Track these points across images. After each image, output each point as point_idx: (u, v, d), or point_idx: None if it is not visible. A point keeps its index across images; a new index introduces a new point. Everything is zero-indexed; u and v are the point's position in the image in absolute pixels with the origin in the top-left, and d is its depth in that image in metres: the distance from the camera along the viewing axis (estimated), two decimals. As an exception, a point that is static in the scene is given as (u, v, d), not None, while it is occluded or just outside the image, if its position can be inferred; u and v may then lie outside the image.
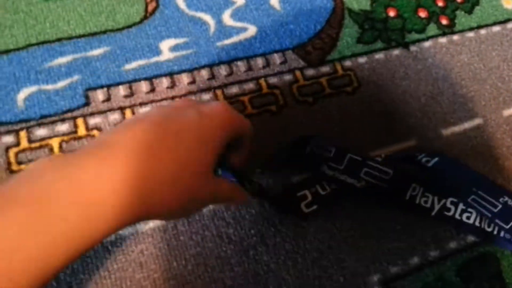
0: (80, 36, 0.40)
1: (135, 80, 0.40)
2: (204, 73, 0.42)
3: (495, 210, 0.40)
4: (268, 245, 0.37)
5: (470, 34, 0.52)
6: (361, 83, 0.45)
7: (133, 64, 0.40)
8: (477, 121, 0.47)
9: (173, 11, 0.44)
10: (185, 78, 0.41)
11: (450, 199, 0.41)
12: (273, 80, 0.43)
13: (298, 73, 0.44)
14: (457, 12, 0.53)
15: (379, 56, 0.48)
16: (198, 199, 0.28)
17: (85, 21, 0.41)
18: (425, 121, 0.46)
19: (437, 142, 0.45)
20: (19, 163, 0.35)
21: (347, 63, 0.46)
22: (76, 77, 0.38)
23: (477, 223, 0.41)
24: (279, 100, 0.43)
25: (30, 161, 0.35)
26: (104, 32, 0.41)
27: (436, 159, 0.41)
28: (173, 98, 0.40)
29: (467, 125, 0.47)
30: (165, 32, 0.42)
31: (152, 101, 0.39)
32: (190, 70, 0.41)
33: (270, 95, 0.43)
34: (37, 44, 0.39)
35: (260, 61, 0.44)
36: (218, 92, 0.41)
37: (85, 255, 0.33)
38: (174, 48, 0.42)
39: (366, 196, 0.40)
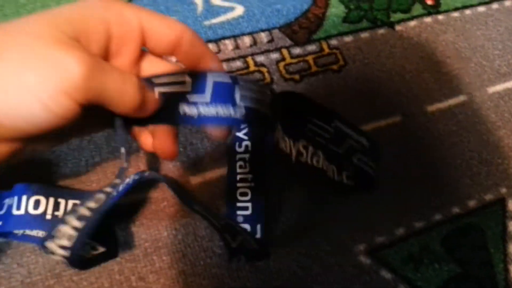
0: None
1: (125, 58, 0.41)
2: (193, 51, 0.43)
3: (328, 136, 0.39)
4: (256, 216, 0.38)
5: (455, 14, 0.53)
6: (347, 62, 0.46)
7: (123, 43, 0.41)
8: (462, 98, 0.48)
9: (161, -9, 0.45)
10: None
11: (302, 142, 0.35)
12: (260, 58, 0.44)
13: (285, 51, 0.45)
14: (443, -7, 0.54)
15: (365, 35, 0.49)
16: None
17: (74, 1, 0.42)
18: (410, 98, 0.47)
19: (422, 118, 0.46)
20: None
21: (333, 41, 0.47)
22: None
23: (324, 167, 0.37)
24: (266, 78, 0.44)
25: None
26: (94, 11, 0.42)
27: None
28: (162, 75, 0.41)
29: (451, 101, 0.48)
30: (153, 10, 0.43)
31: (141, 79, 0.40)
32: (178, 49, 0.42)
33: (257, 73, 0.44)
34: (28, 23, 0.40)
35: (247, 40, 0.45)
36: (207, 70, 0.42)
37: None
38: (162, 28, 0.43)
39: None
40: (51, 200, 0.33)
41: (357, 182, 0.39)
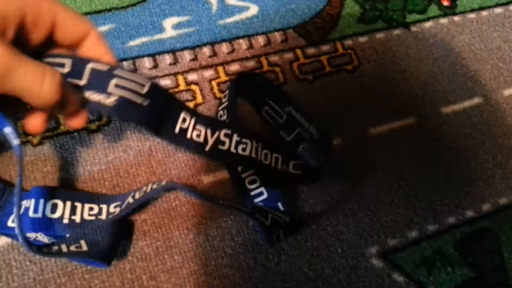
0: (86, 14, 0.41)
1: (139, 57, 0.41)
2: (206, 50, 0.43)
3: (281, 121, 0.39)
4: (268, 217, 0.38)
5: (472, 16, 0.52)
6: (362, 62, 0.46)
7: (137, 41, 0.41)
8: (477, 100, 0.47)
9: (176, -10, 0.45)
10: (187, 55, 0.42)
11: (224, 130, 0.35)
12: (273, 58, 0.44)
13: (298, 51, 0.45)
14: (459, -6, 0.54)
15: (380, 35, 0.48)
16: None
17: (91, -1, 0.42)
18: (425, 99, 0.46)
19: (437, 120, 0.45)
20: (26, 134, 0.36)
21: (348, 42, 0.47)
22: (81, 53, 0.40)
23: (253, 155, 0.37)
24: (279, 78, 0.43)
25: (37, 132, 0.36)
26: (110, 9, 0.42)
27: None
28: (175, 74, 0.41)
29: (467, 103, 0.47)
30: (168, 10, 0.43)
31: (155, 77, 0.40)
32: (192, 48, 0.42)
33: (271, 73, 0.43)
34: (44, 21, 0.40)
35: (261, 40, 0.44)
36: (220, 69, 0.42)
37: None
38: (177, 26, 0.43)
39: (124, 117, 0.35)
40: (68, 204, 0.34)
41: (302, 172, 0.39)
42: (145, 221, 0.36)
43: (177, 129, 0.32)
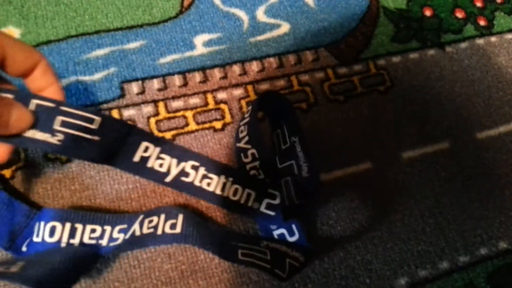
0: (117, 29, 0.41)
1: (169, 74, 0.40)
2: (236, 68, 0.42)
3: (283, 147, 0.38)
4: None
5: (509, 36, 0.51)
6: (394, 83, 0.45)
7: (168, 58, 0.41)
8: (514, 125, 0.46)
9: (208, 6, 0.44)
10: (217, 73, 0.41)
11: (191, 162, 0.35)
12: (304, 77, 0.43)
13: (330, 71, 0.44)
14: (496, 13, 0.52)
15: (414, 55, 0.47)
16: None
17: (123, 14, 0.42)
18: (459, 124, 0.45)
19: (471, 145, 0.44)
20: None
21: (381, 61, 0.45)
22: (112, 69, 0.39)
23: (218, 191, 0.36)
24: (310, 98, 0.42)
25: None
26: (141, 25, 0.42)
27: None
28: (205, 92, 0.40)
29: (502, 129, 0.45)
30: (200, 27, 0.43)
31: (184, 95, 0.40)
32: (222, 65, 0.42)
33: (301, 93, 0.42)
34: (76, 36, 0.40)
35: (292, 58, 0.44)
36: (249, 87, 0.42)
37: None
38: (207, 43, 0.42)
39: (71, 155, 0.34)
40: (67, 226, 0.33)
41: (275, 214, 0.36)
42: (170, 244, 0.35)
43: (136, 158, 0.32)
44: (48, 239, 0.32)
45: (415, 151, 0.42)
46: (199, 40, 0.42)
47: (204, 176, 0.35)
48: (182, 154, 0.34)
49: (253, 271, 0.35)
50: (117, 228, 0.34)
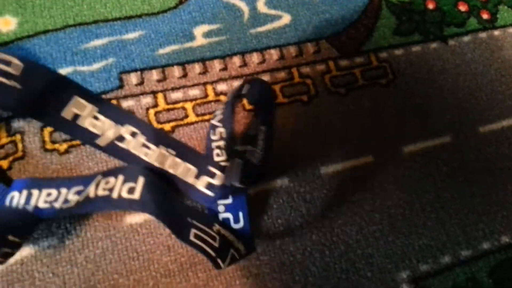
0: (116, 19, 0.40)
1: (168, 65, 0.40)
2: (236, 60, 0.42)
3: (249, 133, 0.37)
4: (294, 236, 0.37)
5: (512, 30, 0.50)
6: (396, 76, 0.44)
7: (167, 49, 0.40)
8: (516, 119, 0.45)
9: (208, -3, 0.44)
10: (217, 65, 0.41)
11: (130, 127, 0.33)
12: (305, 69, 0.43)
13: (331, 63, 0.43)
14: (500, 7, 0.51)
15: (416, 48, 0.46)
16: None
17: (122, 4, 0.41)
18: (462, 117, 0.44)
19: (473, 139, 0.43)
20: (53, 142, 0.36)
21: (383, 54, 0.45)
22: (111, 60, 0.39)
23: (156, 163, 0.34)
24: (311, 90, 0.42)
25: (64, 141, 0.36)
26: (140, 16, 0.41)
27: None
28: (204, 84, 0.40)
29: (505, 123, 0.45)
30: (199, 18, 0.42)
31: (184, 86, 0.39)
32: (222, 57, 0.41)
33: (302, 85, 0.42)
34: (74, 25, 0.39)
35: (292, 50, 0.43)
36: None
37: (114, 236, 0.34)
38: (207, 34, 0.42)
39: None
40: (24, 193, 0.32)
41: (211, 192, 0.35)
42: (169, 236, 0.35)
43: (66, 114, 0.29)
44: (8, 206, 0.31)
45: (417, 145, 0.42)
46: (199, 31, 0.42)
47: (143, 145, 0.33)
48: (120, 117, 0.32)
49: (253, 264, 0.35)
50: (73, 190, 0.32)
